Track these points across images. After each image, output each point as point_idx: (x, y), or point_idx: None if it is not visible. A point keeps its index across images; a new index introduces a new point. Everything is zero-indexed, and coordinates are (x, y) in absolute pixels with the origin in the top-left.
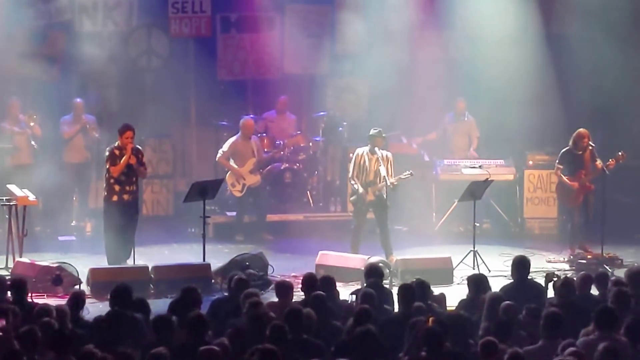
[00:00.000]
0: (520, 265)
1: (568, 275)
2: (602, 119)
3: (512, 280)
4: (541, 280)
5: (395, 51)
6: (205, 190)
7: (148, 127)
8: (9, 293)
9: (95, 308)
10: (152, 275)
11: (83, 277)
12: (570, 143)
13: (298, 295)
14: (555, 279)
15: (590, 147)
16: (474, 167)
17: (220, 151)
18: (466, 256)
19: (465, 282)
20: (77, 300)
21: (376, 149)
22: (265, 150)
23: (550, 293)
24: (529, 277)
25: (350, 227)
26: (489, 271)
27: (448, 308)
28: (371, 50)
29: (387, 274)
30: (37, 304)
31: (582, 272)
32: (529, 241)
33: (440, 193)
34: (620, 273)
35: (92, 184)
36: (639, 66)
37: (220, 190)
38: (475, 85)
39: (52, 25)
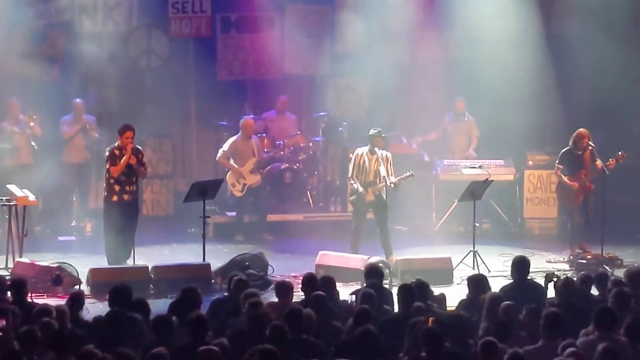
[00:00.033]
0: (520, 266)
1: (569, 276)
2: (602, 119)
3: (512, 281)
4: (541, 281)
5: (395, 51)
6: (205, 190)
7: (148, 127)
8: (8, 293)
9: (95, 308)
10: (152, 276)
11: (83, 277)
12: (570, 143)
13: (298, 295)
14: (555, 279)
15: (590, 147)
16: (473, 167)
17: (220, 151)
18: (466, 256)
19: (465, 282)
20: (77, 301)
21: (376, 149)
22: (265, 150)
23: (550, 293)
24: (528, 278)
25: (350, 228)
26: (489, 271)
27: (448, 308)
28: (371, 50)
29: (387, 274)
30: (36, 304)
31: (582, 272)
32: (529, 241)
33: (440, 193)
34: (620, 273)
35: (92, 184)
36: (639, 66)
37: (220, 191)
38: (475, 85)
39: (52, 25)
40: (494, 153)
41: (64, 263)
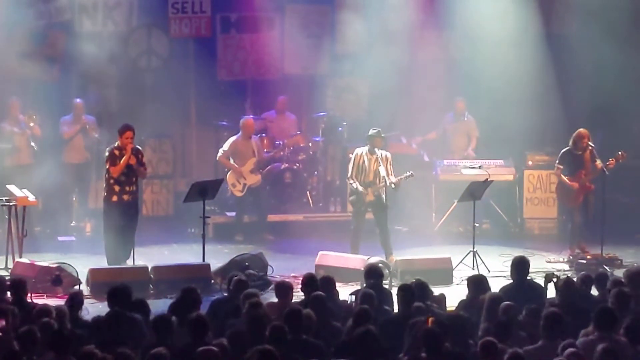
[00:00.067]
0: (520, 266)
1: (569, 276)
2: (602, 119)
3: (511, 281)
4: (541, 281)
5: (395, 51)
6: (205, 190)
7: (148, 127)
8: (8, 293)
9: (95, 308)
10: (152, 276)
11: (83, 278)
12: (570, 143)
13: (298, 295)
14: (554, 279)
15: (590, 147)
16: (473, 168)
17: (220, 150)
18: (466, 256)
19: (465, 282)
20: (75, 301)
21: (375, 149)
22: (265, 150)
23: (550, 293)
24: (528, 278)
25: (349, 228)
26: (489, 271)
27: (448, 308)
28: (371, 50)
29: (386, 274)
30: (36, 304)
31: (582, 273)
32: (529, 241)
33: (440, 193)
34: (620, 273)
35: (92, 184)
36: (639, 66)
37: (220, 191)
38: (475, 85)
39: (52, 25)
40: (493, 153)
41: (64, 263)
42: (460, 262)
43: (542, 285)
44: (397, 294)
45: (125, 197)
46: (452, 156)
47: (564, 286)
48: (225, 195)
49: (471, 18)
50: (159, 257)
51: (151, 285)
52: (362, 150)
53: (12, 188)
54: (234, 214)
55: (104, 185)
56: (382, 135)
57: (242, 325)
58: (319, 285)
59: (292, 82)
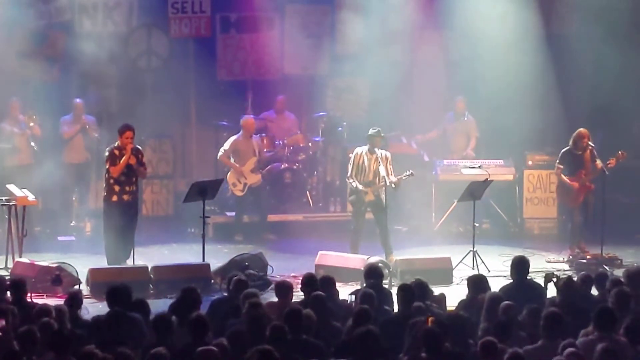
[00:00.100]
0: (520, 266)
1: (570, 275)
2: (602, 119)
3: (511, 281)
4: (541, 281)
5: (395, 51)
6: (205, 190)
7: (148, 127)
8: (8, 293)
9: (94, 308)
10: (152, 276)
11: (83, 278)
12: (570, 143)
13: (298, 295)
14: (554, 279)
15: (590, 147)
16: (473, 168)
17: (221, 150)
18: (466, 256)
19: (465, 282)
20: (75, 300)
21: (375, 148)
22: (266, 150)
23: (550, 293)
24: (528, 278)
25: (349, 228)
26: (489, 271)
27: (448, 308)
28: (371, 51)
29: (386, 274)
30: (36, 304)
31: (583, 273)
32: (529, 241)
33: (440, 193)
34: (620, 273)
35: (92, 184)
36: (639, 66)
37: (220, 191)
38: (475, 85)
39: (52, 25)
40: (493, 153)
41: (64, 263)
42: (460, 262)
43: (542, 285)
44: (397, 294)
45: (125, 197)
46: (452, 156)
47: (565, 286)
48: (225, 195)
49: (471, 18)
50: (158, 257)
51: (151, 285)
52: (362, 149)
53: (12, 188)
54: (233, 214)
55: (104, 185)
56: (382, 135)
57: (242, 325)
58: (319, 285)
59: (292, 82)
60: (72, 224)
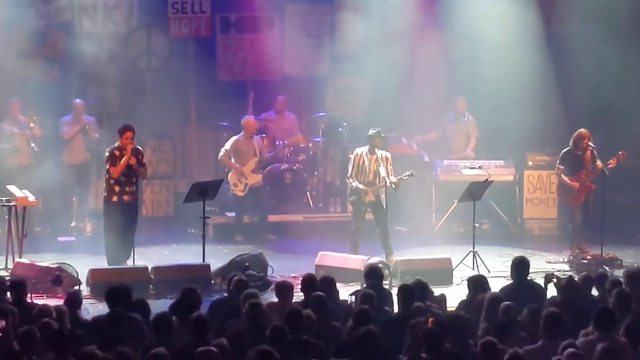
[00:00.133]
0: (520, 266)
1: (572, 276)
2: (602, 119)
3: (511, 281)
4: (541, 281)
5: (395, 51)
6: (205, 190)
7: (148, 127)
8: (8, 294)
9: (95, 308)
10: (152, 276)
11: (83, 278)
12: (571, 143)
13: (298, 296)
14: (554, 279)
15: (590, 148)
16: (473, 168)
17: (222, 150)
18: (466, 257)
19: (465, 283)
20: (74, 301)
21: (375, 149)
22: (267, 150)
23: (550, 294)
24: (528, 278)
25: (350, 228)
26: (489, 272)
27: (448, 309)
28: (371, 51)
29: (386, 274)
30: (36, 304)
31: (583, 273)
32: (529, 242)
33: (440, 194)
34: (620, 273)
35: (92, 184)
36: (639, 66)
37: (220, 191)
38: (475, 85)
39: (52, 25)
40: (493, 153)
41: (64, 263)
42: (461, 262)
43: (542, 285)
44: (397, 294)
45: (126, 197)
46: (452, 156)
47: (567, 286)
48: (225, 195)
49: (471, 18)
50: (159, 257)
51: (151, 286)
52: (362, 150)
53: (12, 188)
54: (234, 214)
55: (104, 185)
56: (382, 135)
57: (242, 325)
58: (320, 285)
59: (292, 82)
60: (72, 225)
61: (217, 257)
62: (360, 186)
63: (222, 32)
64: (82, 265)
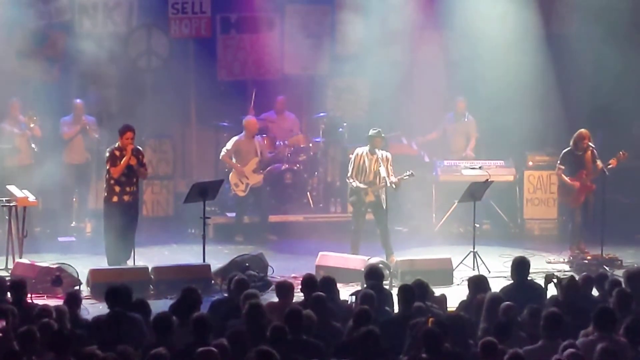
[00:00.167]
0: (520, 266)
1: (574, 275)
2: (602, 119)
3: (512, 281)
4: (541, 281)
5: (395, 51)
6: (205, 191)
7: (148, 127)
8: (8, 294)
9: (95, 308)
10: (152, 276)
11: (83, 278)
12: (571, 143)
13: (298, 296)
14: (554, 279)
15: (590, 148)
16: (473, 168)
17: (224, 149)
18: (466, 257)
19: (466, 283)
20: (73, 301)
21: (376, 149)
22: (268, 150)
23: (550, 294)
24: (528, 278)
25: (350, 228)
26: (489, 272)
27: (448, 309)
28: (371, 51)
29: (387, 275)
30: (36, 304)
31: (583, 273)
32: (529, 242)
33: (440, 194)
34: (620, 274)
35: (92, 184)
36: (639, 66)
37: (221, 191)
38: (475, 85)
39: (52, 25)
40: (494, 154)
41: (64, 264)
42: (461, 262)
43: (543, 286)
44: (398, 295)
45: (126, 197)
46: (452, 157)
47: (568, 285)
48: (225, 195)
49: (471, 18)
50: (159, 257)
51: (151, 286)
52: (363, 150)
53: (12, 189)
54: (234, 214)
55: (105, 185)
56: (383, 135)
57: (242, 325)
58: (320, 285)
59: (292, 83)
60: (72, 225)
61: (218, 258)
62: (361, 185)
63: (222, 32)
64: (82, 266)
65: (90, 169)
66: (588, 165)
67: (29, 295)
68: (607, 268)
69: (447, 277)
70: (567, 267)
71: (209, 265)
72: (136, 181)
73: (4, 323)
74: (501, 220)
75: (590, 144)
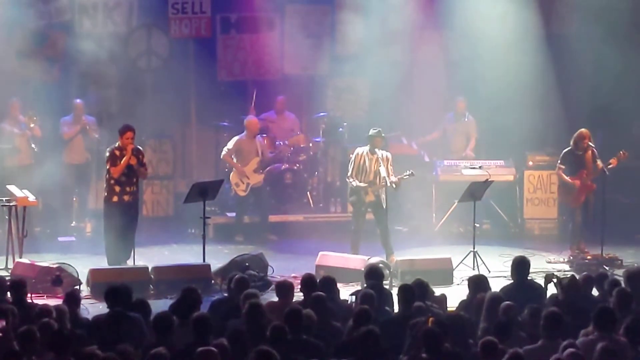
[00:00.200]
0: (520, 266)
1: (574, 275)
2: (602, 119)
3: (512, 281)
4: (541, 281)
5: (395, 51)
6: (205, 191)
7: (148, 127)
8: (8, 294)
9: (95, 308)
10: (152, 276)
11: (83, 278)
12: (572, 143)
13: (298, 296)
14: (554, 279)
15: (591, 148)
16: (474, 168)
17: (225, 149)
18: (466, 257)
19: (466, 282)
20: (73, 300)
21: (376, 149)
22: (269, 150)
23: (550, 294)
24: (528, 278)
25: (350, 228)
26: (489, 272)
27: (449, 309)
28: (371, 51)
29: (387, 274)
30: (36, 304)
31: (584, 273)
32: (529, 242)
33: (440, 194)
34: (620, 273)
35: (92, 184)
36: (639, 66)
37: (221, 191)
38: (475, 85)
39: (52, 25)
40: (494, 154)
41: (64, 264)
42: (461, 262)
43: (543, 285)
44: (398, 294)
45: (126, 197)
46: (452, 156)
47: (569, 286)
48: (225, 195)
49: (471, 18)
50: (159, 257)
51: (151, 286)
52: (363, 150)
53: (12, 188)
54: (234, 214)
55: (105, 185)
56: (383, 135)
57: (242, 325)
58: (320, 285)
59: (292, 83)
60: (72, 225)
61: (218, 257)
62: (361, 184)
63: (222, 32)
64: (82, 266)
65: (90, 169)
66: (588, 165)
67: (29, 295)
68: (607, 268)
69: (447, 277)
70: (567, 267)
71: (209, 265)
72: (136, 181)
73: (4, 323)
74: (501, 220)
75: (590, 143)
